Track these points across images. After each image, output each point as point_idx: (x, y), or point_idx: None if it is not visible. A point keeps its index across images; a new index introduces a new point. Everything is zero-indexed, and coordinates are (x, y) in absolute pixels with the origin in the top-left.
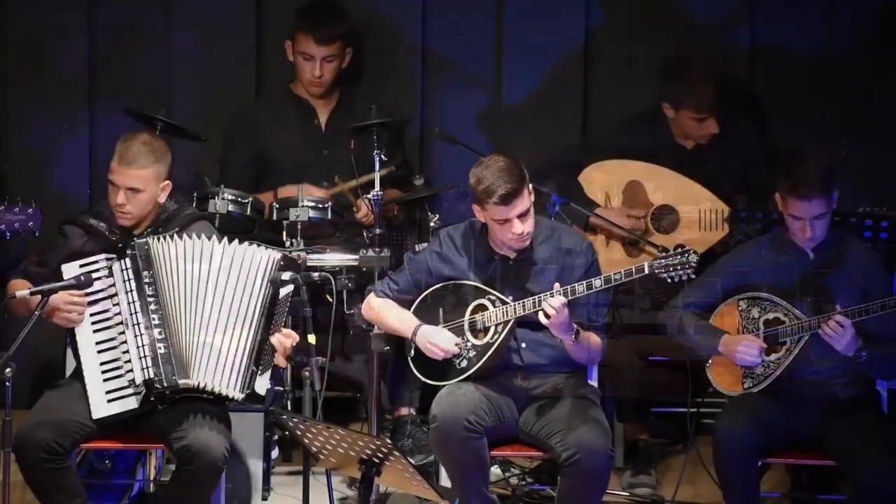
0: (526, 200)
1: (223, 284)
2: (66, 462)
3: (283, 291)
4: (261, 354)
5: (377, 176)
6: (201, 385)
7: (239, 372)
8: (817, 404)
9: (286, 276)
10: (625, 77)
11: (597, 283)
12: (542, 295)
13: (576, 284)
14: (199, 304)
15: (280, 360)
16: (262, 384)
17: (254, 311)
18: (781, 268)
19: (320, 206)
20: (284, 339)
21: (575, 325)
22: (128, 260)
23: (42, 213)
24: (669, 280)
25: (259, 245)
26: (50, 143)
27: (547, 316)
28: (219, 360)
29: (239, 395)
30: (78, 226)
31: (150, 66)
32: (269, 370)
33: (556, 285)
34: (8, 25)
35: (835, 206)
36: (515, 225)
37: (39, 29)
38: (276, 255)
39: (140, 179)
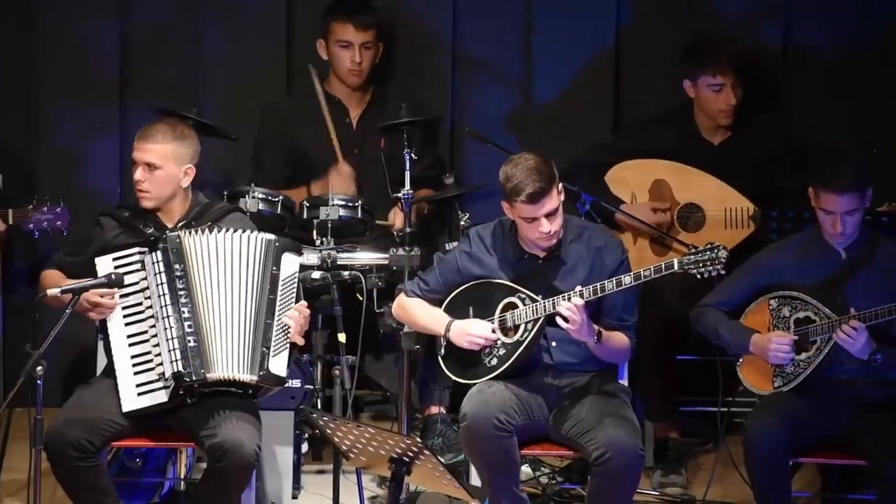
0: (554, 200)
1: (228, 272)
2: (96, 460)
3: (286, 272)
4: (267, 334)
5: (407, 175)
6: (227, 377)
7: (247, 354)
8: (848, 403)
9: (316, 275)
10: (655, 76)
11: (626, 279)
12: (561, 295)
13: (604, 281)
14: (225, 296)
15: (296, 338)
16: (279, 364)
17: (254, 294)
18: (813, 266)
19: (350, 204)
20: (295, 314)
21: (596, 328)
22: (159, 253)
23: (70, 212)
24: (699, 276)
25: (252, 231)
26: (81, 142)
27: (564, 319)
28: (230, 346)
29: (252, 378)
30: (114, 218)
31: (180, 64)
32: (286, 350)
33: (578, 288)
34: (39, 24)
35: (868, 205)
36: (543, 224)
37: (71, 27)
38: (268, 236)
39: (156, 154)
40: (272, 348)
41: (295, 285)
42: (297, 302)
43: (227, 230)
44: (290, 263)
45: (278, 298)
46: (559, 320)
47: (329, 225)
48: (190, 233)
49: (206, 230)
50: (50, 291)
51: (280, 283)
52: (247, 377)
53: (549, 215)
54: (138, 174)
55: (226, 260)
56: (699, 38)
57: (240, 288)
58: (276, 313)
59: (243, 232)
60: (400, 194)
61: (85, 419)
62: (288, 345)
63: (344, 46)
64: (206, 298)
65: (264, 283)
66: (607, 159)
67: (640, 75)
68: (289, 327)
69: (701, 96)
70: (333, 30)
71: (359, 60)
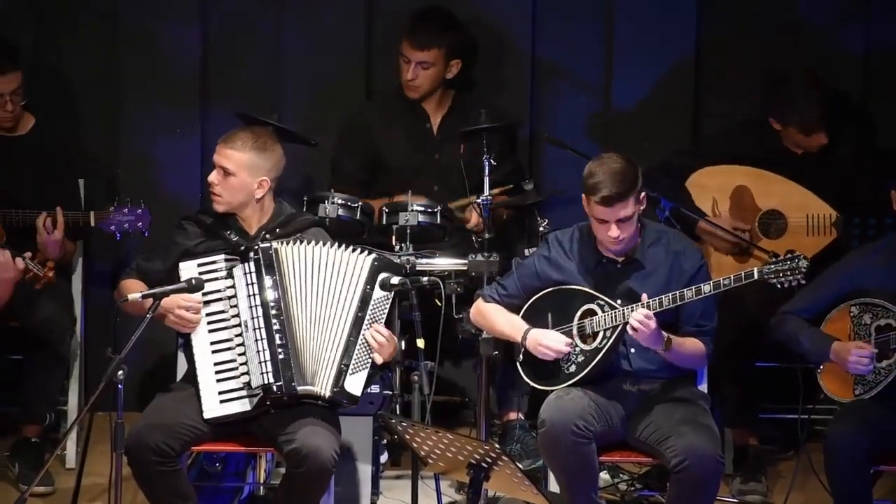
0: (629, 207)
1: (327, 288)
2: (176, 464)
3: (378, 294)
4: (349, 351)
5: (486, 181)
6: (311, 391)
7: (327, 369)
8: None
9: (395, 280)
10: (736, 83)
11: (706, 288)
12: (632, 306)
13: (683, 290)
14: (316, 309)
15: (377, 357)
16: (355, 383)
17: (344, 311)
18: (895, 273)
19: (429, 210)
20: (376, 334)
21: (665, 335)
22: (252, 263)
23: (151, 213)
24: (779, 286)
25: (354, 248)
26: (162, 146)
27: (633, 329)
28: (317, 360)
29: (325, 392)
30: (196, 223)
31: (261, 69)
32: (365, 370)
33: (644, 296)
34: (121, 28)
35: None
36: (612, 228)
37: (152, 32)
38: (371, 257)
39: (231, 160)
40: (351, 366)
41: (387, 308)
42: (387, 323)
43: (327, 245)
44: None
45: (367, 317)
46: (628, 328)
47: (408, 231)
48: (283, 244)
49: (301, 242)
50: (131, 296)
51: (371, 302)
52: (322, 391)
53: (621, 221)
54: (213, 176)
55: (322, 273)
56: (786, 81)
57: (333, 303)
58: (362, 332)
59: (346, 248)
60: (479, 200)
61: (165, 424)
62: (368, 364)
63: (405, 61)
64: (298, 311)
65: (356, 300)
66: (688, 165)
67: (720, 82)
68: (371, 347)
69: (789, 135)
70: (402, 41)
71: (410, 77)
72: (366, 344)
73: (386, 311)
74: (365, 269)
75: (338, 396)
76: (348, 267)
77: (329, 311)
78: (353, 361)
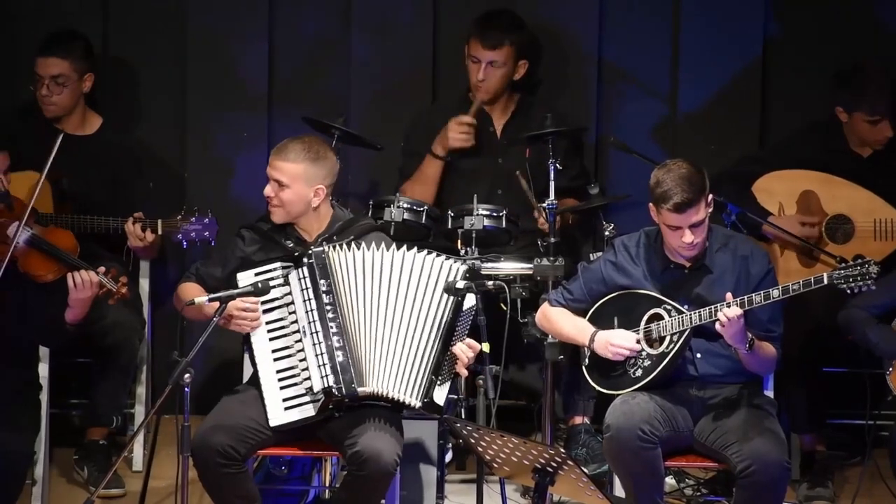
0: (701, 212)
1: (404, 293)
2: (242, 467)
3: (467, 304)
4: (440, 364)
5: (552, 185)
6: (379, 392)
7: (417, 380)
8: None
9: (460, 284)
10: (804, 87)
11: (774, 293)
12: (717, 305)
13: (752, 295)
14: (378, 312)
15: (461, 370)
16: (441, 394)
17: (434, 321)
18: None
19: (495, 214)
20: (466, 349)
21: (750, 335)
22: (305, 269)
23: (218, 223)
24: (849, 291)
25: (439, 255)
26: (230, 152)
27: (722, 325)
28: (398, 367)
29: (417, 403)
30: (255, 231)
31: (328, 75)
32: (449, 382)
33: (729, 295)
34: (190, 35)
35: None
36: (686, 234)
37: (221, 38)
38: (461, 265)
39: (285, 173)
40: (440, 378)
41: (471, 319)
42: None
43: (413, 248)
44: (471, 296)
45: (456, 329)
46: (717, 324)
47: (473, 234)
48: (335, 248)
49: (353, 245)
50: (198, 300)
51: (461, 314)
52: (411, 400)
53: (694, 226)
54: (268, 190)
55: (372, 274)
56: (856, 70)
57: (410, 308)
58: (453, 345)
59: (429, 253)
60: (544, 204)
61: (231, 426)
62: (452, 376)
63: (474, 62)
64: (356, 313)
65: (446, 310)
66: (754, 170)
67: (788, 86)
68: (457, 359)
69: (855, 126)
70: (469, 42)
71: (481, 78)
72: (453, 356)
73: (470, 322)
74: (453, 276)
75: (427, 408)
76: (432, 273)
77: (409, 315)
78: (442, 373)
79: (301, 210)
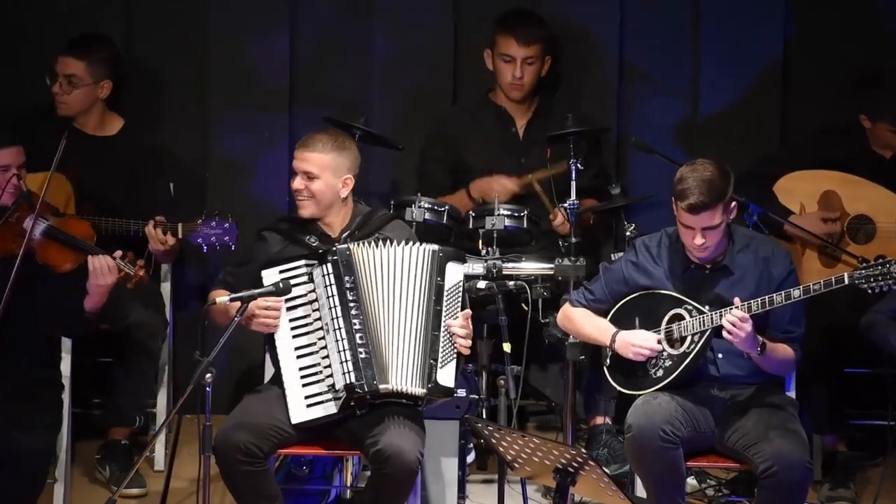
0: (716, 217)
1: (396, 284)
2: (263, 465)
3: (450, 282)
4: (435, 346)
5: (573, 185)
6: (398, 389)
7: (416, 368)
8: None
9: (482, 285)
10: (824, 87)
11: (795, 293)
12: (725, 309)
13: (773, 295)
14: (390, 307)
15: (462, 348)
16: (447, 376)
17: (421, 305)
18: None
19: (516, 214)
20: (459, 323)
21: (760, 339)
22: (329, 265)
23: (238, 227)
24: (870, 291)
25: (416, 243)
26: (250, 152)
27: (728, 331)
28: (401, 359)
29: (421, 391)
30: (277, 232)
31: (348, 75)
32: (453, 361)
33: (737, 300)
34: (211, 35)
35: None
36: (697, 236)
37: (242, 37)
38: (433, 248)
39: (315, 164)
40: (440, 360)
41: (460, 295)
42: (462, 310)
43: (394, 243)
44: (454, 273)
45: (444, 309)
46: (723, 331)
47: (495, 234)
48: (359, 245)
49: (374, 243)
50: (219, 299)
51: (445, 293)
52: (416, 390)
53: (707, 230)
54: (297, 183)
55: (393, 272)
56: (878, 77)
57: (407, 300)
58: (443, 324)
59: (407, 244)
60: (565, 204)
61: (253, 424)
62: (455, 355)
63: (507, 60)
64: (377, 310)
65: (430, 294)
66: (775, 170)
67: (808, 86)
68: (455, 338)
69: (879, 133)
70: (498, 42)
71: (519, 76)
72: (448, 336)
73: (460, 299)
74: (430, 260)
75: (433, 392)
76: (415, 261)
77: (406, 308)
78: (440, 356)
79: (330, 201)
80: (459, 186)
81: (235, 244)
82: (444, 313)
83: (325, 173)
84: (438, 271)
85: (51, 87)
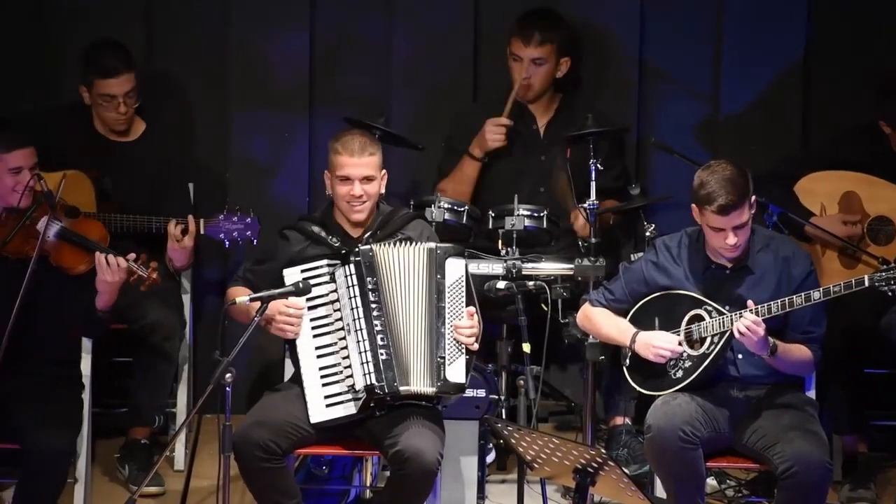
0: (745, 213)
1: (407, 285)
2: (282, 462)
3: (451, 278)
4: (441, 343)
5: (592, 185)
6: (416, 391)
7: (426, 366)
8: None
9: (501, 285)
10: (845, 88)
11: (815, 294)
12: (740, 312)
13: (793, 296)
14: (405, 307)
15: (468, 341)
16: (456, 372)
17: (427, 304)
18: None
19: (536, 214)
20: (464, 318)
21: (772, 341)
22: (352, 266)
23: (259, 222)
24: (890, 293)
25: (413, 242)
26: (270, 152)
27: (741, 333)
28: (416, 359)
29: (430, 390)
30: (299, 231)
31: (368, 74)
32: (462, 357)
33: (750, 302)
34: (232, 34)
35: None
36: (729, 236)
37: (262, 37)
38: (429, 245)
39: (372, 166)
40: (447, 357)
41: (463, 290)
42: (468, 306)
43: (402, 244)
44: (454, 269)
45: (447, 306)
46: (735, 332)
47: (514, 235)
48: (381, 245)
49: (395, 243)
50: (239, 299)
51: (447, 290)
52: (426, 389)
53: (737, 228)
54: (357, 189)
55: (404, 272)
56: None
57: (417, 300)
58: (447, 321)
59: (409, 244)
60: (585, 205)
61: (272, 422)
62: (463, 351)
63: (516, 60)
64: (396, 311)
65: (432, 292)
66: (796, 170)
67: (829, 87)
68: (461, 333)
69: None
70: (511, 42)
71: (526, 76)
72: (453, 332)
73: (464, 294)
74: (428, 259)
75: (443, 390)
76: (418, 261)
77: (418, 308)
78: (447, 353)
79: (377, 199)
80: (480, 184)
81: (257, 238)
82: (447, 310)
83: (378, 173)
84: (438, 269)
85: (99, 111)
